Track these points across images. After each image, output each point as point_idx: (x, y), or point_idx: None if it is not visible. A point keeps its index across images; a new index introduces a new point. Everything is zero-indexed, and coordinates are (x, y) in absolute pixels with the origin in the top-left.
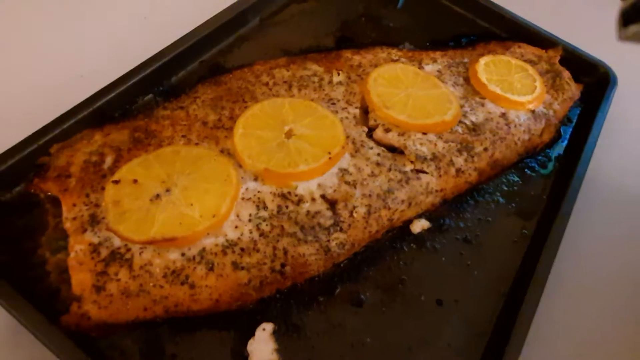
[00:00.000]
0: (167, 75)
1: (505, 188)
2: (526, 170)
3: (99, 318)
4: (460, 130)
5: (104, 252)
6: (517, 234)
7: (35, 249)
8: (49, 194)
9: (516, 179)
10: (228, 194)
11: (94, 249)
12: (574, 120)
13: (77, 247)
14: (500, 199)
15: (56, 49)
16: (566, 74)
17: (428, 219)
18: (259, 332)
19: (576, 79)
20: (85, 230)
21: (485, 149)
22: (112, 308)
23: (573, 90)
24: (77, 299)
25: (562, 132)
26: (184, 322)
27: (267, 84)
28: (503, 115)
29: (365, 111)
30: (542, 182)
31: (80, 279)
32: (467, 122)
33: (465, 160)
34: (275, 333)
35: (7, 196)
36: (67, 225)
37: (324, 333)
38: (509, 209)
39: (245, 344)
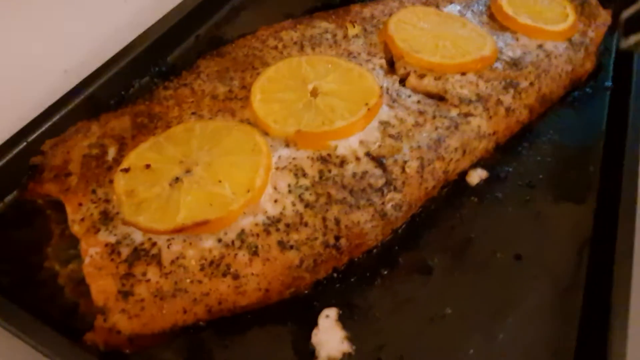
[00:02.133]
0: (162, 54)
1: (559, 125)
2: (575, 103)
3: (130, 330)
4: (500, 67)
5: (125, 251)
6: (585, 171)
7: (41, 263)
8: (49, 198)
9: (568, 113)
10: (260, 163)
11: (112, 249)
12: (613, 49)
13: (92, 251)
14: (556, 137)
15: (34, 45)
16: (593, 0)
17: (484, 167)
18: (322, 321)
19: (603, 4)
20: (98, 231)
21: (532, 84)
22: (144, 315)
23: (604, 15)
24: (100, 311)
25: (603, 62)
26: (232, 321)
27: (275, 47)
28: (540, 47)
29: (390, 62)
30: (597, 114)
31: (102, 287)
32: (506, 58)
33: (514, 98)
34: (340, 318)
35: (0, 207)
36: (76, 228)
37: (395, 311)
38: (568, 146)
39: (309, 337)
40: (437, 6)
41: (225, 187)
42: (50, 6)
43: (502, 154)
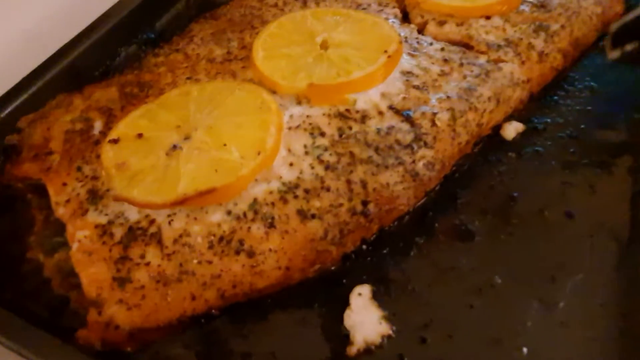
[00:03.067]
0: (149, 20)
1: (594, 70)
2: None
3: (130, 323)
4: (527, 9)
5: (119, 232)
6: (630, 115)
7: (24, 255)
8: (29, 181)
9: (601, 58)
10: (270, 121)
11: (104, 230)
12: None
13: (80, 235)
14: (593, 84)
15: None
16: None
17: (520, 120)
18: (354, 300)
19: None
20: (86, 212)
21: (563, 27)
22: (146, 306)
23: None
24: (94, 303)
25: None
26: (249, 307)
27: (275, 4)
28: None
29: (404, 13)
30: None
31: (94, 275)
32: (532, 0)
33: (545, 42)
34: (375, 296)
35: None
36: (60, 211)
37: (436, 283)
38: (608, 93)
39: (341, 320)
40: None
41: (232, 151)
42: None
43: (537, 105)
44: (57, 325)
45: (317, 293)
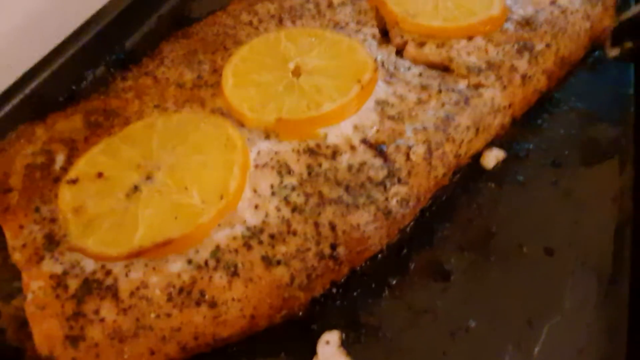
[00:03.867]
0: (118, 38)
1: (580, 90)
2: (598, 64)
3: None
4: (511, 27)
5: (74, 284)
6: (614, 142)
7: None
8: None
9: (589, 77)
10: (234, 161)
11: (58, 282)
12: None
13: (35, 286)
14: (580, 105)
15: None
16: None
17: (501, 147)
18: (322, 348)
19: None
20: (41, 259)
21: (548, 46)
22: None
23: None
24: (48, 359)
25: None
26: (212, 358)
27: (250, 23)
28: (553, 2)
29: (384, 31)
30: (622, 74)
31: (46, 331)
32: (517, 17)
33: (529, 63)
34: (344, 343)
35: None
36: (17, 257)
37: (409, 327)
38: (594, 114)
39: None
40: None
41: (193, 195)
42: None
43: (520, 130)
44: None
45: (285, 341)
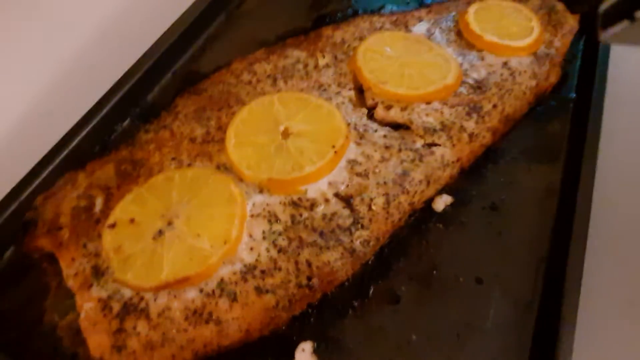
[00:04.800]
0: (142, 94)
1: (522, 143)
2: (540, 119)
3: None
4: (464, 91)
5: (116, 307)
6: (544, 190)
7: (41, 317)
8: (44, 252)
9: (531, 131)
10: (235, 215)
11: (105, 304)
12: (579, 55)
13: (87, 306)
14: (520, 157)
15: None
16: (560, 6)
17: (449, 193)
18: (299, 354)
19: (570, 9)
20: (90, 286)
21: (495, 106)
22: None
23: (571, 22)
24: None
25: (568, 71)
26: (218, 359)
27: (250, 82)
28: (505, 64)
29: (360, 91)
30: (559, 129)
31: (97, 342)
32: (470, 81)
33: (477, 123)
34: (315, 351)
35: None
36: (70, 283)
37: (366, 340)
38: (531, 165)
39: None
40: (406, 25)
41: (204, 241)
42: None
43: (466, 178)
44: None
45: (271, 348)
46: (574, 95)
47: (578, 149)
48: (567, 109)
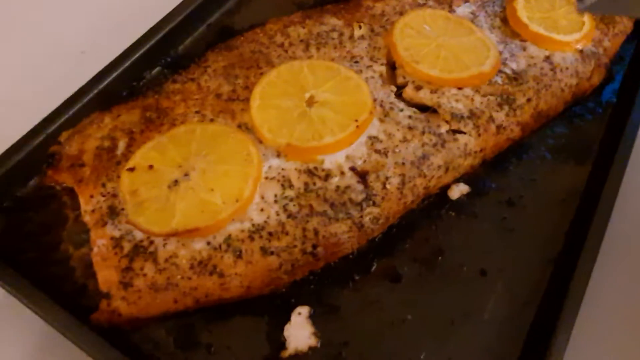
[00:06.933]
0: (173, 44)
1: (552, 142)
2: (574, 119)
3: (129, 313)
4: (500, 80)
5: (127, 247)
6: (565, 193)
7: (57, 245)
8: (65, 185)
9: (563, 130)
10: (250, 175)
11: (116, 243)
12: (627, 59)
13: (99, 242)
14: (547, 155)
15: (53, 27)
16: None
17: (467, 182)
18: (294, 317)
19: None
20: (105, 224)
21: (529, 100)
22: (141, 303)
23: (625, 23)
24: (105, 295)
25: (613, 73)
26: (217, 310)
27: (282, 45)
28: (547, 58)
29: (392, 67)
30: (593, 132)
31: (106, 276)
32: (508, 71)
33: (507, 115)
34: (311, 316)
35: (23, 191)
36: (87, 218)
37: (361, 312)
38: (556, 165)
39: (282, 329)
40: (451, 5)
41: (217, 196)
42: None
43: (487, 169)
44: (77, 305)
45: (268, 307)
46: (615, 99)
47: (608, 156)
48: (604, 113)
